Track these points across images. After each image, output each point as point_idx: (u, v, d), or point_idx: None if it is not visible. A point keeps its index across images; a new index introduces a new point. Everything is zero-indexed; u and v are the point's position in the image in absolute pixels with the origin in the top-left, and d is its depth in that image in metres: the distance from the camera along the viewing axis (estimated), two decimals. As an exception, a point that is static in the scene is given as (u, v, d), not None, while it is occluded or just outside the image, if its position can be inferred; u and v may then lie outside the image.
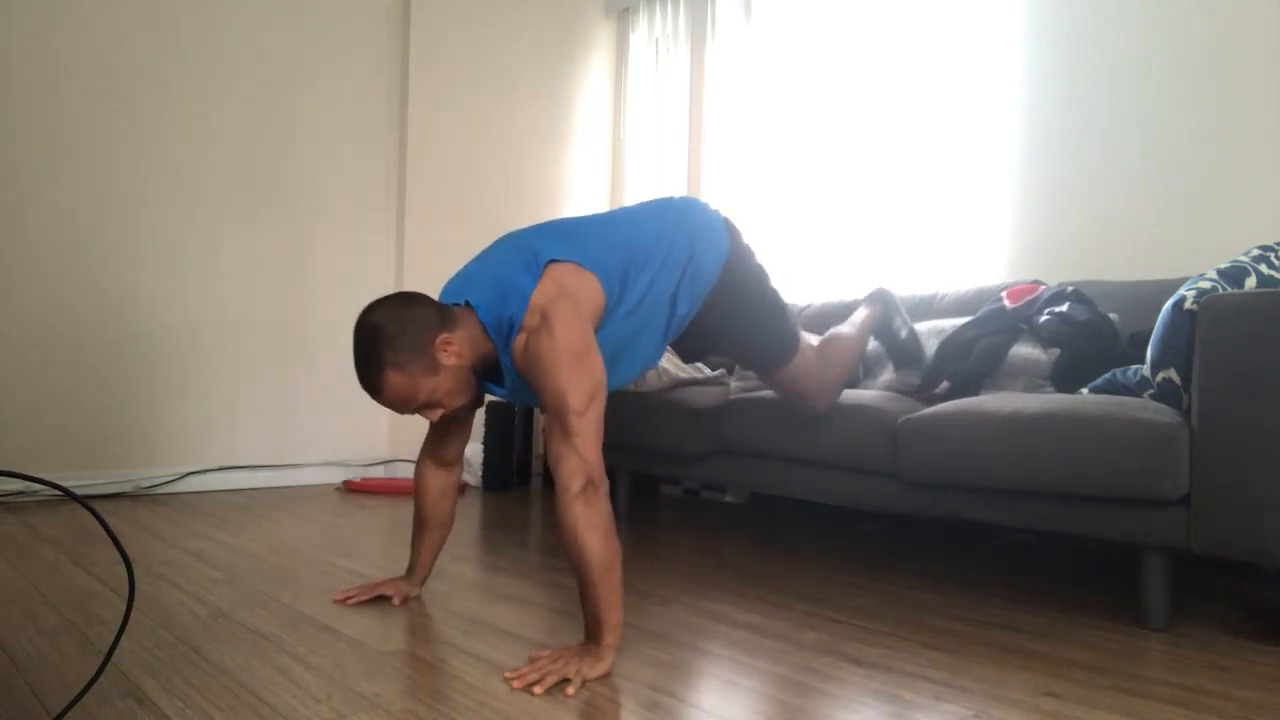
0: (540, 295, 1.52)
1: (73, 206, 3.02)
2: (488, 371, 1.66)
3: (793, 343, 2.03)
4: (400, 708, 1.20)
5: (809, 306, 3.13)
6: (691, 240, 1.78)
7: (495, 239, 1.74)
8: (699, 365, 3.03)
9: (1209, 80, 2.47)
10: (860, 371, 2.53)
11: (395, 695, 1.25)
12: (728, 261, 1.85)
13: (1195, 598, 1.99)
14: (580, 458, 1.40)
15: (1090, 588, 2.06)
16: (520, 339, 1.52)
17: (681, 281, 1.76)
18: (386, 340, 1.49)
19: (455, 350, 1.53)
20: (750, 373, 2.65)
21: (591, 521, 1.37)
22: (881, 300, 2.39)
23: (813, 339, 2.19)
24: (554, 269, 1.56)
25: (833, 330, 2.29)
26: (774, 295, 2.00)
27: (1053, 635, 1.65)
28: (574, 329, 1.48)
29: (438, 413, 1.57)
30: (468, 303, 1.59)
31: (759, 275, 1.96)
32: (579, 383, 1.44)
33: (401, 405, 1.53)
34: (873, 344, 2.57)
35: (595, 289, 1.58)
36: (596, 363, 1.48)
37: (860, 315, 2.35)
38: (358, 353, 1.52)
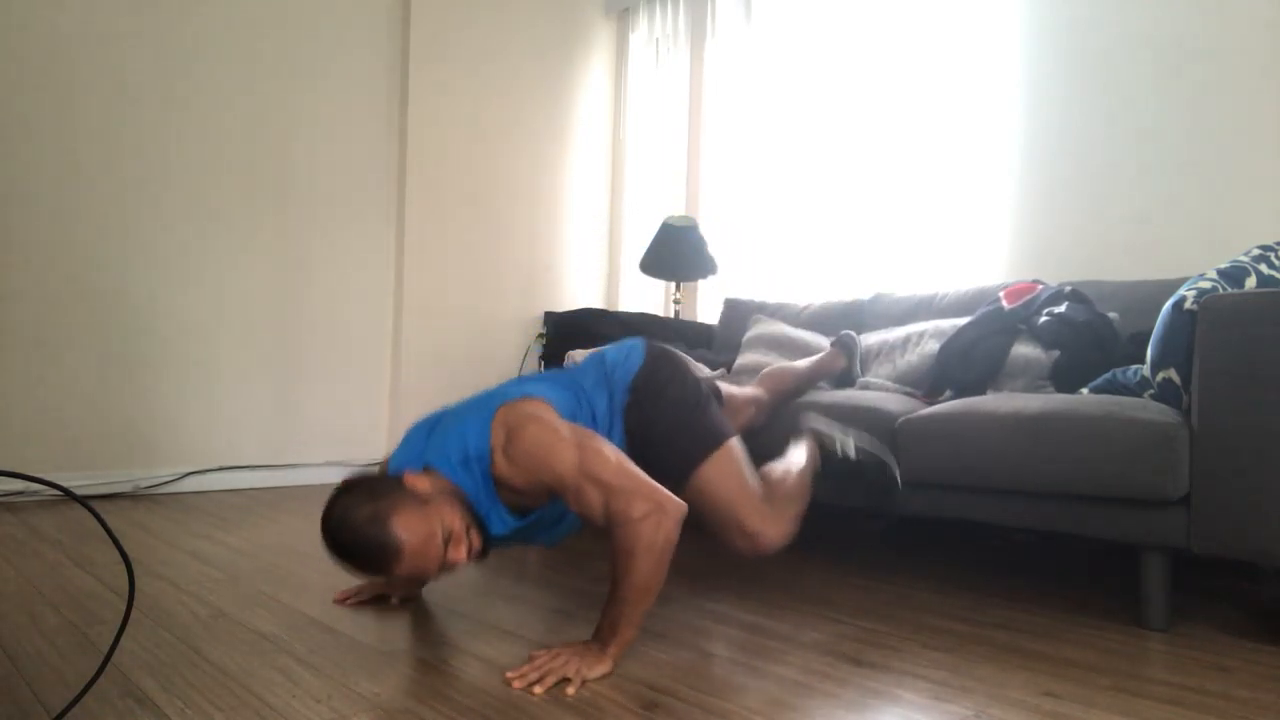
0: (501, 424, 1.47)
1: (73, 206, 3.02)
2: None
3: (705, 446, 1.70)
4: (400, 708, 1.20)
5: (809, 306, 3.13)
6: (609, 368, 1.76)
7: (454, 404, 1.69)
8: (700, 365, 3.02)
9: (1209, 80, 2.47)
10: (859, 369, 2.52)
11: (395, 695, 1.25)
12: (635, 378, 1.74)
13: (1195, 598, 1.99)
14: (630, 489, 1.37)
15: (1090, 588, 2.06)
16: (498, 459, 1.44)
17: (609, 407, 1.72)
18: (370, 503, 1.35)
19: (425, 484, 1.41)
20: (744, 375, 2.65)
21: (652, 545, 1.36)
22: (843, 345, 2.46)
23: (740, 457, 1.78)
24: (506, 405, 1.51)
25: (778, 367, 2.33)
26: (691, 406, 1.75)
27: (1053, 635, 1.65)
28: (544, 419, 1.45)
29: (462, 548, 1.40)
30: (426, 466, 1.49)
31: (675, 387, 1.76)
32: (586, 449, 1.42)
33: (424, 552, 1.36)
34: (875, 338, 2.57)
35: (548, 408, 1.53)
36: (589, 434, 1.47)
37: (819, 353, 2.43)
38: (351, 542, 1.34)
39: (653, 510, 1.36)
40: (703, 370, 2.48)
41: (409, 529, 1.34)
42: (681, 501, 1.42)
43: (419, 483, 1.41)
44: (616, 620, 1.37)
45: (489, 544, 1.50)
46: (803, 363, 2.40)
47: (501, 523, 1.51)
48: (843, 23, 3.40)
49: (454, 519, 1.40)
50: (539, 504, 1.53)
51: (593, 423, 1.66)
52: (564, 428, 1.47)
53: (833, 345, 2.50)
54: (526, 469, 1.44)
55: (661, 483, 1.54)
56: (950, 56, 3.07)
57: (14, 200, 2.92)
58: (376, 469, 1.60)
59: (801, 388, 2.33)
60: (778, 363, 2.43)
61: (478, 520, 1.47)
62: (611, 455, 1.44)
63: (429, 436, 1.55)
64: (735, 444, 1.76)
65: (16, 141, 2.92)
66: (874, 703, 1.27)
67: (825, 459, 2.01)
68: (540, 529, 1.61)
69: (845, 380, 2.46)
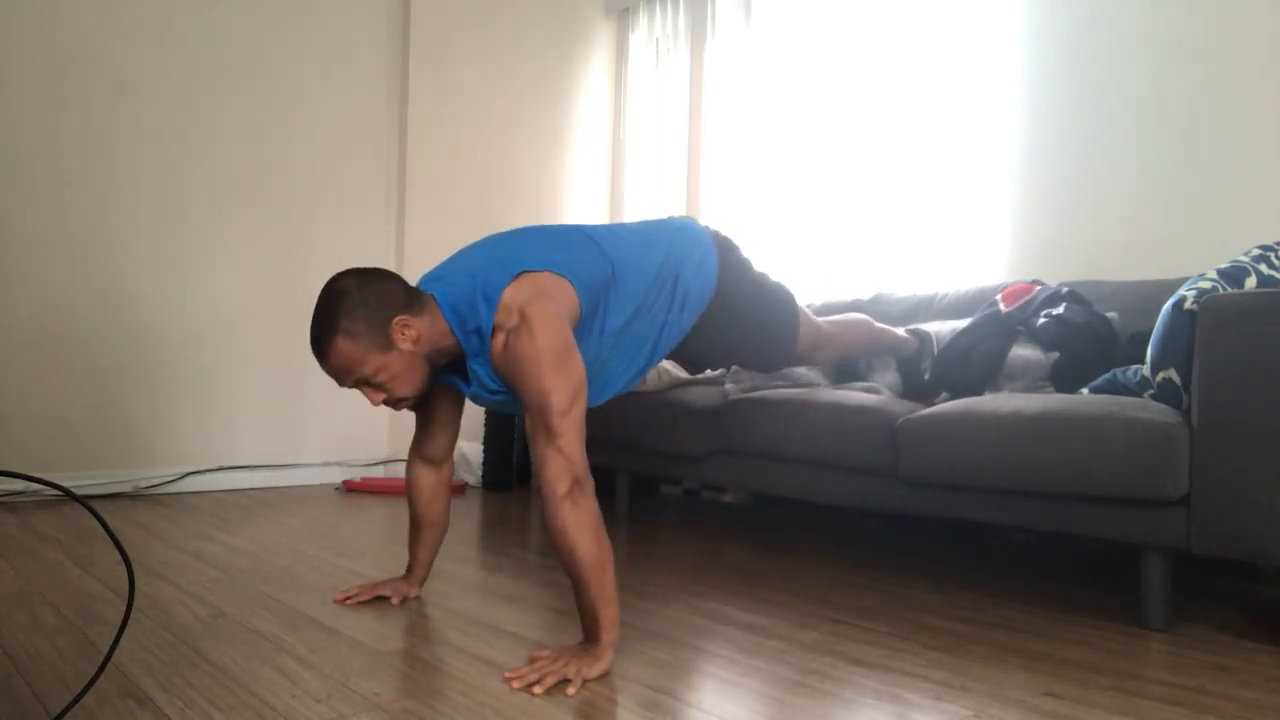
0: (516, 296, 1.50)
1: (73, 206, 3.02)
2: (452, 367, 1.65)
3: (791, 332, 2.04)
4: (400, 708, 1.20)
5: (809, 306, 3.13)
6: (679, 265, 1.79)
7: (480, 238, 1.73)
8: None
9: (1209, 80, 2.47)
10: (863, 365, 2.52)
11: (395, 695, 1.25)
12: (718, 284, 1.86)
13: (1195, 598, 1.99)
14: (565, 458, 1.39)
15: (1090, 588, 2.06)
16: (499, 339, 1.50)
17: (668, 308, 1.76)
18: (347, 306, 1.47)
19: (413, 335, 1.51)
20: (744, 374, 2.65)
21: (581, 521, 1.37)
22: (921, 339, 2.43)
23: (821, 320, 2.18)
24: (528, 275, 1.54)
25: (862, 317, 2.31)
26: (768, 296, 1.99)
27: (1053, 635, 1.65)
28: (554, 329, 1.47)
29: (379, 396, 1.54)
30: (433, 297, 1.57)
31: (754, 289, 1.95)
32: (561, 383, 1.43)
33: (343, 375, 1.50)
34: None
35: (571, 296, 1.56)
36: (577, 363, 1.47)
37: (899, 330, 2.39)
38: (316, 313, 1.50)
39: (573, 487, 1.38)
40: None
41: (340, 354, 1.48)
42: (591, 476, 1.43)
43: (401, 333, 1.50)
44: (592, 605, 1.37)
45: (469, 383, 1.60)
46: (882, 326, 2.39)
47: (491, 379, 1.56)
48: (843, 23, 3.39)
49: (392, 378, 1.51)
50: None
51: (622, 327, 1.67)
52: (562, 343, 1.46)
53: (909, 332, 2.47)
54: (511, 366, 1.47)
55: (766, 364, 2.11)
56: (950, 57, 3.07)
57: (14, 200, 2.92)
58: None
59: (867, 344, 2.31)
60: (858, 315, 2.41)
61: (428, 382, 1.58)
62: (571, 399, 1.43)
63: (465, 262, 1.60)
64: (806, 327, 2.07)
65: (17, 141, 2.92)
66: (874, 703, 1.27)
67: (909, 361, 2.38)
68: (509, 402, 1.63)
69: (912, 371, 2.44)
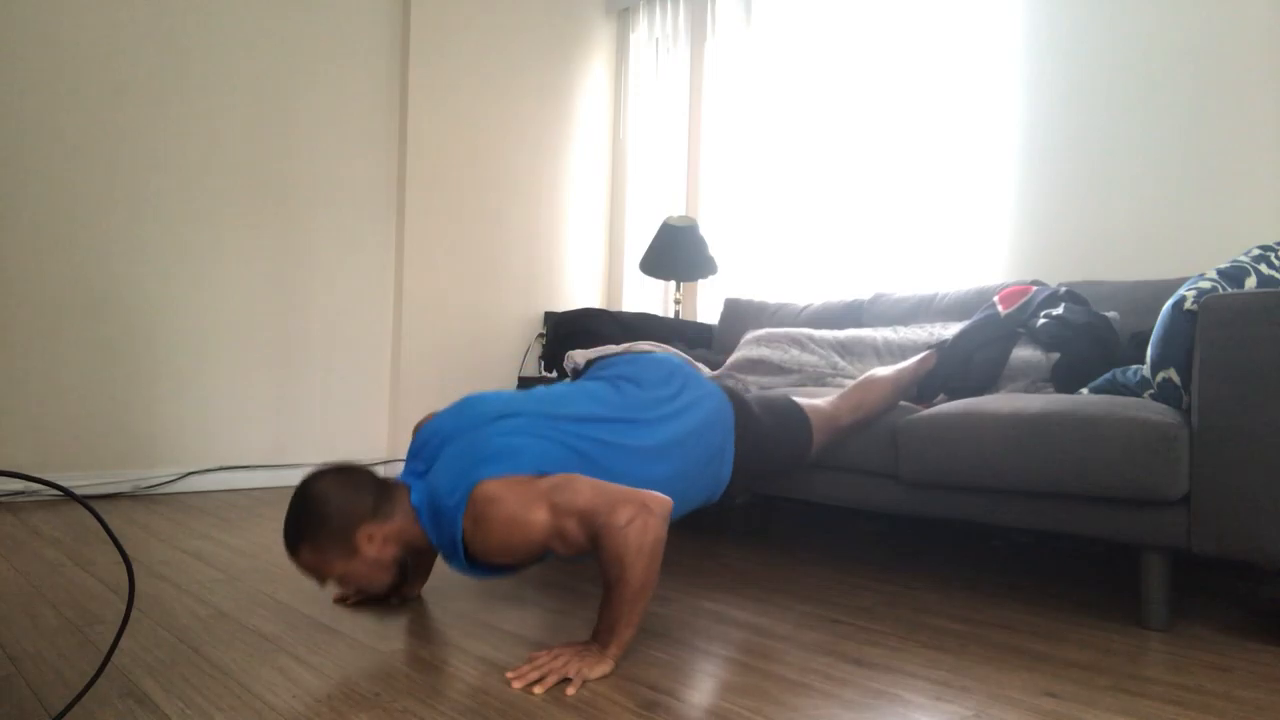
0: (471, 507, 1.45)
1: (73, 206, 3.02)
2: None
3: (804, 450, 2.01)
4: (400, 708, 1.20)
5: (809, 306, 3.13)
6: (694, 470, 1.73)
7: (465, 398, 1.68)
8: (699, 365, 3.02)
9: (1209, 80, 2.47)
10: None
11: (395, 695, 1.25)
12: (736, 460, 1.83)
13: (1195, 598, 1.99)
14: (611, 502, 1.36)
15: (1090, 588, 2.06)
16: (475, 546, 1.46)
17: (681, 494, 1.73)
18: (311, 517, 1.49)
19: (378, 543, 1.52)
20: (743, 376, 2.64)
21: (641, 547, 1.34)
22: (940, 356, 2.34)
23: (822, 404, 2.07)
24: (485, 487, 1.46)
25: (875, 373, 2.19)
26: (778, 431, 1.94)
27: (1053, 635, 1.65)
28: (509, 497, 1.42)
29: (351, 588, 1.57)
30: (409, 488, 1.55)
31: (761, 435, 1.89)
32: (554, 495, 1.40)
33: (313, 576, 1.54)
34: (886, 334, 2.56)
35: (513, 484, 1.47)
36: (555, 477, 1.44)
37: (912, 360, 2.26)
38: (288, 514, 1.53)
39: (638, 512, 1.35)
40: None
41: (307, 563, 1.52)
42: (665, 497, 1.40)
43: (366, 542, 1.51)
44: (615, 622, 1.37)
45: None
46: (898, 367, 2.25)
47: (469, 572, 1.55)
48: (842, 23, 3.40)
49: (359, 577, 1.54)
50: (524, 562, 1.53)
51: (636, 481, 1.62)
52: (530, 493, 1.43)
53: (932, 349, 2.34)
54: (503, 550, 1.44)
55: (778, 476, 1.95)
56: (950, 57, 3.07)
57: (14, 200, 2.92)
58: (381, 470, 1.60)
59: (891, 399, 2.16)
60: (872, 374, 2.25)
61: (402, 575, 1.59)
62: (582, 485, 1.41)
63: (431, 453, 1.57)
64: (805, 404, 2.02)
65: (17, 141, 2.92)
66: (874, 703, 1.27)
67: (928, 381, 2.28)
68: (507, 570, 1.61)
69: (934, 390, 2.31)
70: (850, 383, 2.22)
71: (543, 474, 1.49)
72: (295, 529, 1.51)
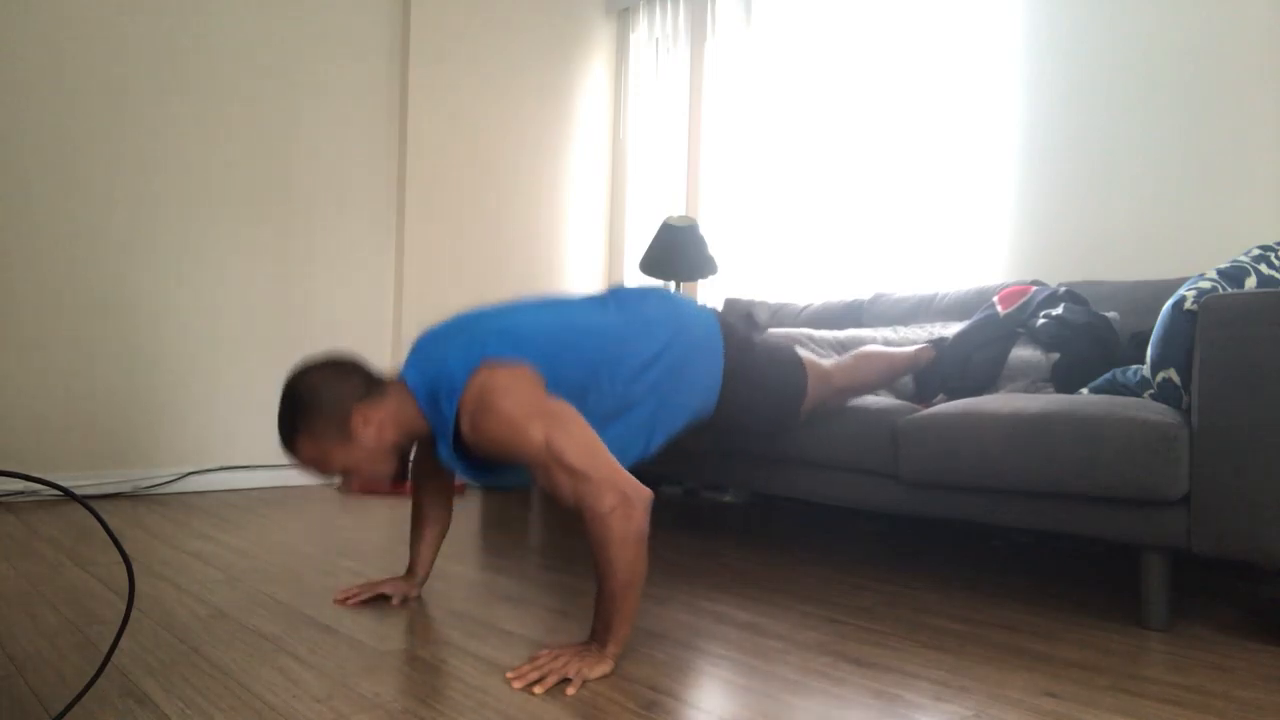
0: (475, 384, 1.46)
1: (73, 206, 3.02)
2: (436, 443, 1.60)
3: (796, 400, 2.00)
4: (400, 708, 1.20)
5: (809, 306, 3.13)
6: (682, 359, 1.72)
7: (463, 311, 1.70)
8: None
9: (1209, 80, 2.47)
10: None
11: (395, 695, 1.25)
12: (723, 378, 1.82)
13: (1195, 598, 1.99)
14: (598, 479, 1.36)
15: (1090, 588, 2.06)
16: (464, 422, 1.46)
17: (664, 399, 1.70)
18: (303, 407, 1.49)
19: (374, 425, 1.51)
20: None
21: (625, 537, 1.34)
22: (939, 348, 2.38)
23: (824, 363, 2.12)
24: (491, 365, 1.48)
25: (872, 348, 2.25)
26: (773, 367, 1.93)
27: (1053, 635, 1.65)
28: (520, 390, 1.43)
29: (354, 482, 1.56)
30: (404, 382, 1.55)
31: (756, 365, 1.90)
32: (555, 428, 1.39)
33: (314, 470, 1.54)
34: (886, 334, 2.56)
35: (530, 380, 1.49)
36: (563, 406, 1.44)
37: (910, 348, 2.31)
38: (279, 412, 1.53)
39: (620, 503, 1.35)
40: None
41: (307, 454, 1.51)
42: (647, 490, 1.40)
43: (361, 426, 1.50)
44: (609, 617, 1.37)
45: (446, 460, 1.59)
46: (897, 350, 2.30)
47: (457, 465, 1.54)
48: (843, 23, 3.40)
49: (360, 465, 1.53)
50: (508, 476, 1.56)
51: (611, 393, 1.63)
52: (535, 403, 1.43)
53: (930, 343, 2.39)
54: (496, 442, 1.44)
55: (771, 428, 2.02)
56: (950, 57, 3.07)
57: (14, 200, 2.92)
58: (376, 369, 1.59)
59: (885, 376, 2.24)
60: (868, 347, 2.31)
61: (403, 464, 1.59)
62: (579, 436, 1.40)
63: (439, 341, 1.57)
64: (803, 357, 2.03)
65: (17, 141, 2.92)
66: (874, 703, 1.27)
67: (927, 372, 2.33)
68: (497, 476, 1.61)
69: (931, 378, 2.37)
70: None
71: (544, 379, 1.51)
72: (290, 422, 1.50)
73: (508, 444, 1.42)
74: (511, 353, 1.51)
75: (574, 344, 1.58)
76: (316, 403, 1.49)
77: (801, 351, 2.07)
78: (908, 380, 2.42)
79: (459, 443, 1.55)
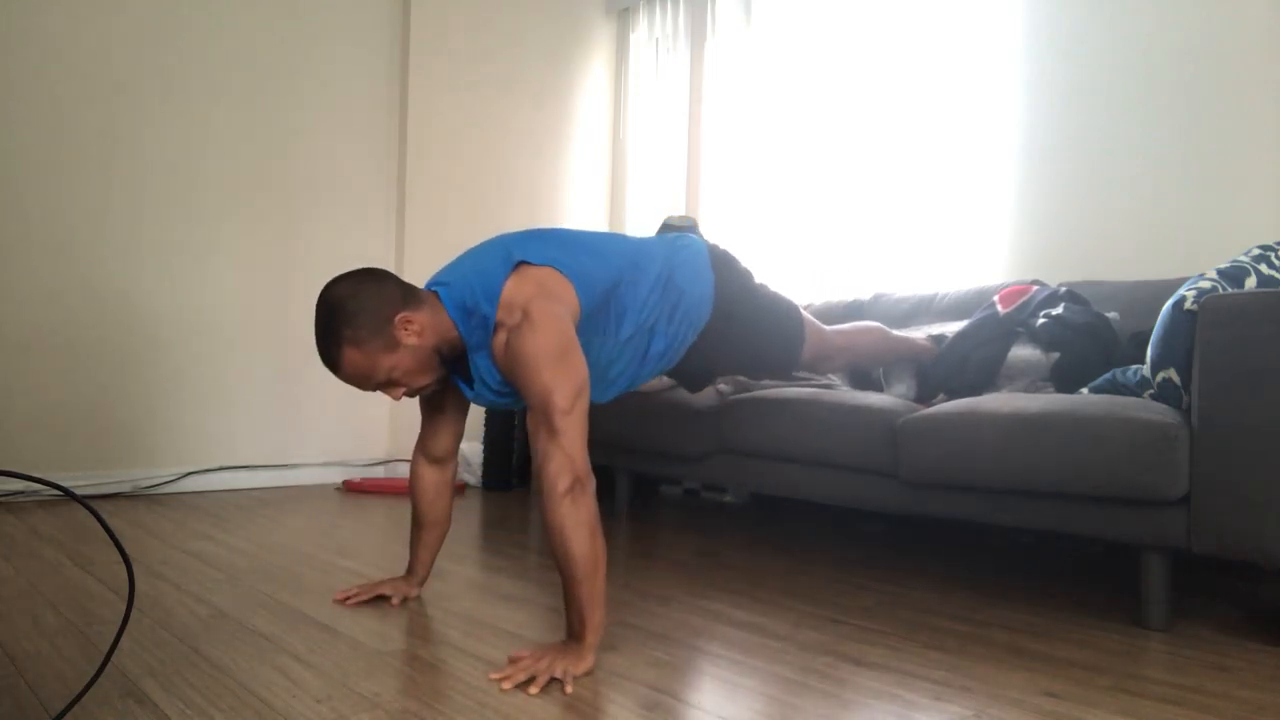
0: (517, 293, 1.52)
1: (72, 206, 3.02)
2: (456, 364, 1.66)
3: (796, 344, 2.04)
4: (400, 708, 1.20)
5: (809, 306, 3.13)
6: (677, 276, 1.82)
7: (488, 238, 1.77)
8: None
9: (1209, 80, 2.47)
10: (878, 374, 2.51)
11: (395, 695, 1.25)
12: (716, 295, 1.89)
13: (1195, 598, 1.99)
14: (567, 455, 1.39)
15: (1090, 588, 2.06)
16: (500, 337, 1.52)
17: (669, 318, 1.79)
18: (345, 316, 1.48)
19: (416, 329, 1.52)
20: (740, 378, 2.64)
21: (579, 520, 1.37)
22: (939, 345, 2.41)
23: (822, 326, 2.18)
24: (529, 269, 1.57)
25: (875, 325, 2.31)
26: (770, 309, 2.00)
27: (1053, 635, 1.65)
28: (557, 327, 1.48)
29: (399, 391, 1.55)
30: (436, 293, 1.60)
31: (754, 301, 1.96)
32: (564, 381, 1.43)
33: (361, 381, 1.53)
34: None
35: (572, 296, 1.58)
36: (580, 361, 1.48)
37: (918, 338, 2.37)
38: (318, 327, 1.51)
39: (573, 485, 1.38)
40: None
41: (352, 362, 1.49)
42: (593, 476, 1.43)
43: (418, 316, 1.52)
44: (581, 605, 1.38)
45: (473, 385, 1.63)
46: (899, 334, 2.37)
47: (493, 378, 1.57)
48: (843, 23, 3.39)
49: (406, 373, 1.53)
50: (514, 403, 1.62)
51: (623, 313, 1.70)
52: (564, 341, 1.47)
53: (930, 339, 2.44)
54: (513, 362, 1.47)
55: (770, 374, 2.14)
56: (950, 57, 3.07)
57: (13, 200, 2.92)
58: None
59: (880, 350, 2.30)
60: (869, 322, 2.40)
61: (442, 374, 1.59)
62: (574, 397, 1.43)
63: (463, 261, 1.63)
64: (814, 333, 2.07)
65: (16, 142, 2.92)
66: (874, 703, 1.27)
67: (925, 366, 2.35)
68: (514, 397, 1.64)
69: (931, 376, 2.41)
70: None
71: (576, 287, 1.58)
72: (332, 334, 1.49)
73: (521, 371, 1.46)
74: (543, 260, 1.57)
75: (600, 251, 1.68)
76: (359, 309, 1.48)
77: (806, 314, 2.13)
78: (909, 383, 2.43)
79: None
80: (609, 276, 1.67)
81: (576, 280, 1.60)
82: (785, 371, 2.12)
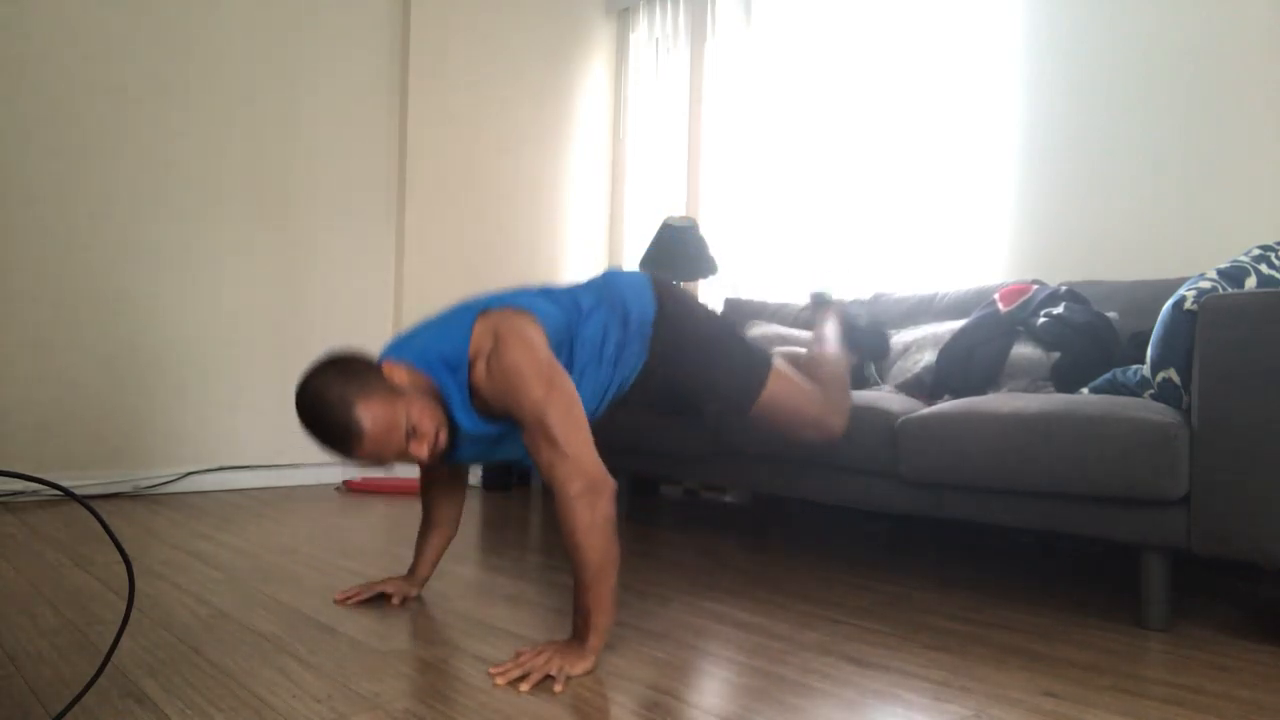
0: (485, 328, 1.51)
1: (73, 207, 3.02)
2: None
3: (760, 373, 1.88)
4: (400, 708, 1.20)
5: (808, 306, 3.13)
6: (616, 284, 1.79)
7: (456, 302, 1.75)
8: None
9: (1209, 80, 2.47)
10: (870, 371, 2.52)
11: (395, 695, 1.25)
12: (655, 319, 1.81)
13: (1195, 598, 1.99)
14: (572, 460, 1.39)
15: (1090, 588, 2.06)
16: (479, 368, 1.49)
17: (622, 325, 1.76)
18: (342, 383, 1.42)
19: (401, 374, 1.48)
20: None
21: (591, 523, 1.37)
22: (831, 306, 2.33)
23: (786, 366, 2.01)
24: (492, 313, 1.55)
25: (807, 353, 2.16)
26: (723, 337, 1.89)
27: (1053, 635, 1.65)
28: (532, 344, 1.47)
29: (424, 444, 1.47)
30: (407, 361, 1.55)
31: (700, 322, 1.88)
32: (554, 395, 1.43)
33: (385, 441, 1.42)
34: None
35: (539, 330, 1.55)
36: (562, 375, 1.47)
37: (826, 330, 2.22)
38: (318, 415, 1.41)
39: (586, 489, 1.38)
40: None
41: (374, 417, 1.41)
42: (612, 481, 1.41)
43: (396, 373, 1.48)
44: (587, 607, 1.38)
45: (456, 443, 1.58)
46: (823, 348, 2.20)
47: (472, 424, 1.54)
48: (842, 23, 3.39)
49: (421, 415, 1.47)
50: (505, 416, 1.56)
51: (580, 347, 1.68)
52: (545, 357, 1.47)
53: (820, 314, 2.33)
54: (499, 385, 1.46)
55: (728, 412, 1.93)
56: (950, 57, 3.07)
57: (15, 201, 2.92)
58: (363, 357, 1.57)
59: (845, 366, 2.14)
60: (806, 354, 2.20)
61: (448, 418, 1.53)
62: (568, 408, 1.43)
63: (413, 336, 1.60)
64: (778, 359, 1.94)
65: (18, 143, 2.92)
66: (874, 703, 1.27)
67: (846, 330, 2.25)
68: (512, 441, 1.62)
69: (855, 332, 2.36)
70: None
71: (544, 328, 1.55)
72: (340, 402, 1.40)
73: (510, 391, 1.44)
74: (502, 304, 1.58)
75: (554, 298, 1.68)
76: (350, 373, 1.44)
77: (785, 367, 1.96)
78: (908, 385, 2.43)
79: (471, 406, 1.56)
80: (564, 319, 1.65)
81: (539, 314, 1.58)
82: (732, 406, 1.91)
